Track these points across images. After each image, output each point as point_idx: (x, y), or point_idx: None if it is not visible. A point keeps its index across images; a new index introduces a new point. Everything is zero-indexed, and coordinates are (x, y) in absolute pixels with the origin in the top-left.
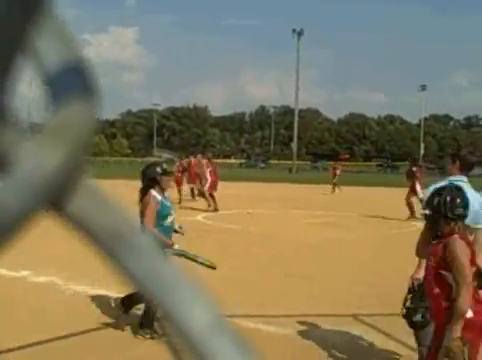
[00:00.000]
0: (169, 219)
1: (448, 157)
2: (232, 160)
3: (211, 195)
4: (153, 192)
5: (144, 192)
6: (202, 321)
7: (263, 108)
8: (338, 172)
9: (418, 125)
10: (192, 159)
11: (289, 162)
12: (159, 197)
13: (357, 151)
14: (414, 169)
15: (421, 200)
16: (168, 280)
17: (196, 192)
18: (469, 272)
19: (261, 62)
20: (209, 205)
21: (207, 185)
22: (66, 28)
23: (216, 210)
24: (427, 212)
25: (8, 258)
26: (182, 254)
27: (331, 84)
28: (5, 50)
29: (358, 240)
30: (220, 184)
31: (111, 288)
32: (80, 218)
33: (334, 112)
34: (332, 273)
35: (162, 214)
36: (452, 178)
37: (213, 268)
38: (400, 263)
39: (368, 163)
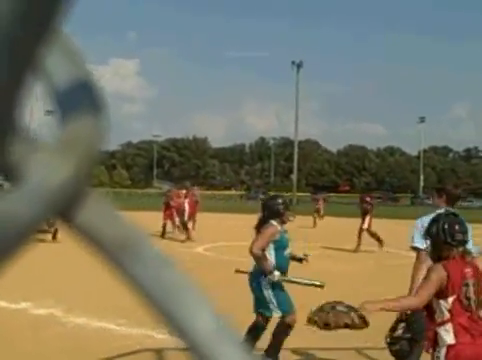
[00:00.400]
0: (288, 250)
1: (434, 191)
2: (232, 192)
3: (186, 226)
4: (274, 222)
5: (263, 222)
6: (207, 327)
7: (263, 140)
8: (321, 203)
9: (417, 157)
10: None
11: (289, 194)
12: (279, 228)
13: (357, 183)
14: (367, 199)
15: (361, 230)
16: (173, 287)
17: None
18: (425, 293)
19: (261, 94)
20: (188, 237)
21: (186, 216)
22: (74, 45)
23: (184, 241)
24: (424, 243)
25: (8, 290)
26: (288, 280)
27: (330, 116)
28: (17, 67)
29: (358, 272)
30: (221, 216)
31: (111, 320)
32: (88, 229)
33: (333, 144)
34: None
35: (282, 245)
36: (439, 211)
37: (321, 287)
38: (401, 294)
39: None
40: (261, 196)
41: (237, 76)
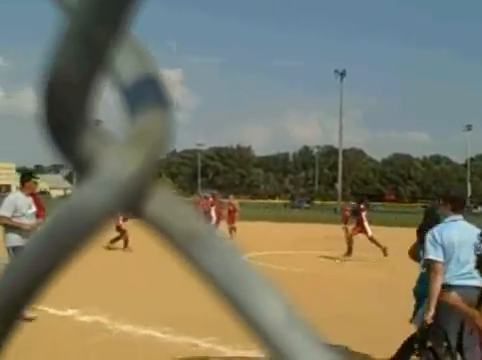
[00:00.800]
0: None
1: (440, 198)
2: (276, 200)
3: None
4: None
5: (425, 229)
6: (277, 315)
7: (307, 148)
8: (348, 213)
9: (464, 165)
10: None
11: (334, 202)
12: None
13: (403, 192)
14: (361, 207)
15: (371, 238)
16: (241, 276)
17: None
18: None
19: (304, 102)
20: None
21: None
22: (140, 44)
23: None
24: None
25: (56, 297)
26: None
27: (375, 124)
28: (91, 63)
29: (405, 281)
30: (266, 225)
31: (156, 328)
32: (156, 220)
33: (378, 152)
34: (382, 315)
35: None
36: (448, 218)
37: None
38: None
39: (414, 204)
40: (305, 205)
41: (280, 85)
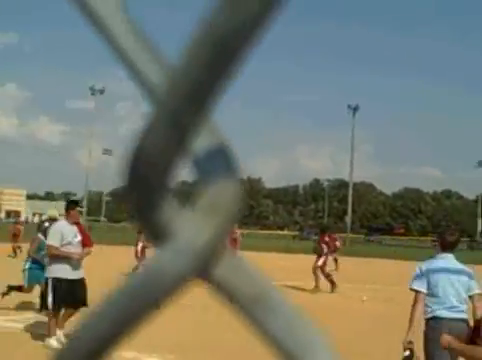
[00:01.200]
0: None
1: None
2: (285, 232)
3: None
4: None
5: None
6: None
7: (317, 181)
8: (338, 244)
9: (475, 201)
10: None
11: (343, 235)
12: None
13: (412, 226)
14: (327, 240)
15: (314, 269)
16: (304, 339)
17: None
18: None
19: (315, 136)
20: None
21: None
22: (214, 123)
23: None
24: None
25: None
26: None
27: (385, 159)
28: (175, 147)
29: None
30: (272, 255)
31: (160, 355)
32: (223, 284)
33: (389, 187)
34: (393, 351)
35: None
36: (438, 255)
37: None
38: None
39: (423, 238)
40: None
41: (291, 118)
